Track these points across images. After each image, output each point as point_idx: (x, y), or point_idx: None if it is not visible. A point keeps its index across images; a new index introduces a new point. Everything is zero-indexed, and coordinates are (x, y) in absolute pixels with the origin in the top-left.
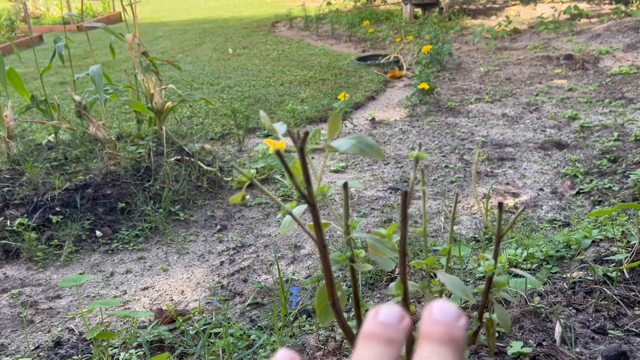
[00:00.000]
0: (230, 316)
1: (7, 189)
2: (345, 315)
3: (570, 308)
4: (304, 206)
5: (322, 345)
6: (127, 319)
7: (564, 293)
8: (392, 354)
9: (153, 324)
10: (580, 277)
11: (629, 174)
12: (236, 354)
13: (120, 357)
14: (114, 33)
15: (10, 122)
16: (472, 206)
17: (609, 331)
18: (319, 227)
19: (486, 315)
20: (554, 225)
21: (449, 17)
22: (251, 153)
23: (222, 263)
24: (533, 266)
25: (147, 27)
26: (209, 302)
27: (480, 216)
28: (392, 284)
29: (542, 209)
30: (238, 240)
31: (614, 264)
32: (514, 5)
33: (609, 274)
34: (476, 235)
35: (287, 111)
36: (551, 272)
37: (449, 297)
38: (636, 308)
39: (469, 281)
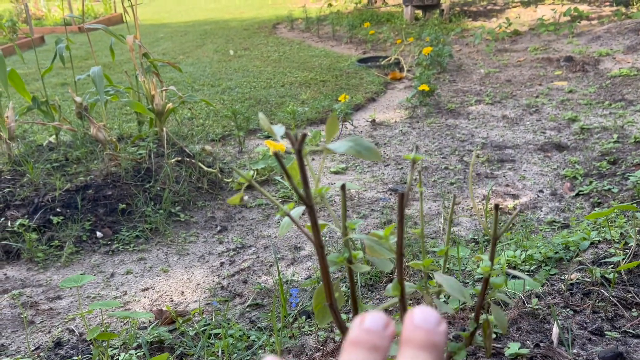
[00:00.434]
0: (230, 317)
1: (8, 189)
2: (344, 316)
3: (568, 309)
4: (302, 207)
5: (321, 346)
6: (127, 319)
7: (562, 294)
8: None
9: (153, 324)
10: (578, 279)
11: (629, 175)
12: (236, 354)
13: (120, 358)
14: (115, 34)
15: (11, 123)
16: (471, 208)
17: (606, 332)
18: (316, 228)
19: (483, 316)
20: (553, 227)
21: (450, 19)
22: (252, 154)
23: (222, 264)
24: (532, 268)
25: (148, 28)
26: (208, 303)
27: (480, 216)
28: (389, 285)
29: (541, 211)
30: (238, 241)
31: (611, 266)
32: (515, 7)
33: (606, 275)
34: (475, 237)
35: (287, 112)
36: (550, 273)
37: (447, 298)
38: (633, 309)
39: (467, 282)
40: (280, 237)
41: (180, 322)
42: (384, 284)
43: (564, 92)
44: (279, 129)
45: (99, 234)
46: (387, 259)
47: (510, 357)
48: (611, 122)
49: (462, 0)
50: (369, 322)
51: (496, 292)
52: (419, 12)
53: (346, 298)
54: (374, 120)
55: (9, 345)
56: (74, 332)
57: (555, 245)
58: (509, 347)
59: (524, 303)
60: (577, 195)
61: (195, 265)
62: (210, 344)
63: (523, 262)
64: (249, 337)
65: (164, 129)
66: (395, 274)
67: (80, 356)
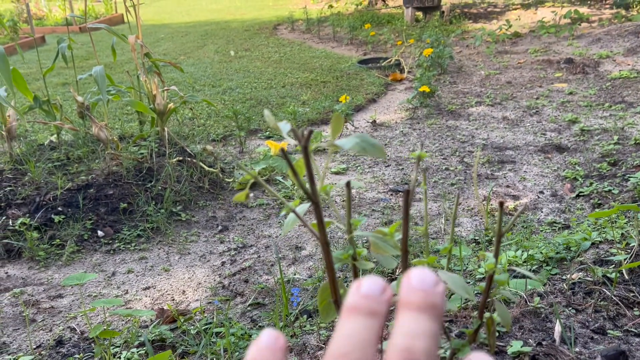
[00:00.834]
0: (231, 316)
1: (9, 188)
2: None
3: (570, 308)
4: (307, 204)
5: (323, 344)
6: (129, 317)
7: (564, 293)
8: (375, 326)
9: (154, 323)
10: (579, 278)
11: (629, 177)
12: (237, 353)
13: (122, 356)
14: (117, 34)
15: (12, 123)
16: (472, 208)
17: (608, 331)
18: (322, 225)
19: (486, 314)
20: (553, 228)
21: (450, 21)
22: (252, 154)
23: (223, 263)
24: (533, 268)
25: (149, 29)
26: (210, 302)
27: (481, 218)
28: (393, 283)
29: (542, 212)
30: (239, 240)
31: (613, 265)
32: (515, 9)
33: (608, 275)
34: (477, 237)
35: (288, 113)
36: (551, 273)
37: (450, 297)
38: (635, 309)
39: (469, 282)
40: (282, 237)
41: (182, 320)
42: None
43: (564, 94)
44: (284, 126)
45: (100, 233)
46: (391, 256)
47: (513, 355)
48: (611, 123)
49: (462, 2)
50: (365, 287)
51: (500, 290)
52: (420, 14)
53: None
54: (374, 121)
55: (11, 343)
56: (75, 330)
57: (556, 245)
58: (512, 345)
59: (526, 302)
60: (578, 196)
61: (196, 264)
62: (212, 342)
63: (524, 262)
64: (250, 335)
65: (166, 128)
66: (398, 273)
67: (81, 354)
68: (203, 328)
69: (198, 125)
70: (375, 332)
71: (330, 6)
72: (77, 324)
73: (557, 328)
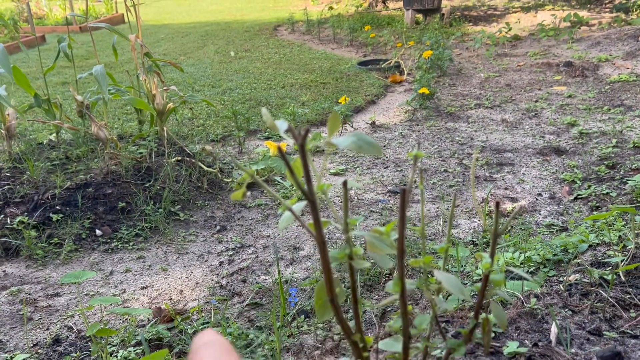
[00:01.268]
0: (228, 316)
1: (8, 187)
2: (343, 315)
3: (566, 310)
4: (304, 203)
5: (320, 344)
6: (126, 316)
7: (560, 295)
8: None
9: (152, 322)
10: (576, 280)
11: (627, 180)
12: None
13: (119, 355)
14: (119, 33)
15: (12, 121)
16: (470, 210)
17: (604, 333)
18: (318, 224)
19: (482, 315)
20: (551, 230)
21: (450, 23)
22: (251, 155)
23: (221, 263)
24: (530, 269)
25: (149, 29)
26: (207, 302)
27: (479, 220)
28: (389, 282)
29: (540, 214)
30: (237, 241)
31: (610, 267)
32: (515, 12)
33: (605, 276)
34: (474, 239)
35: (287, 114)
36: (548, 275)
37: (447, 298)
38: (631, 310)
39: (466, 283)
40: (280, 237)
41: (179, 320)
42: (383, 285)
43: (563, 97)
44: (282, 125)
45: (98, 232)
46: (388, 255)
47: (508, 356)
48: (610, 127)
49: (462, 4)
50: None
51: (496, 290)
52: (420, 16)
53: (345, 298)
54: (373, 123)
55: (8, 341)
56: (73, 329)
57: (553, 247)
58: (508, 346)
59: (522, 303)
60: (576, 199)
61: (194, 264)
62: None
63: (522, 263)
64: (247, 335)
65: (165, 128)
66: (394, 274)
67: (78, 353)
68: (200, 327)
69: (197, 125)
70: None
71: (331, 8)
72: (74, 323)
73: (553, 329)
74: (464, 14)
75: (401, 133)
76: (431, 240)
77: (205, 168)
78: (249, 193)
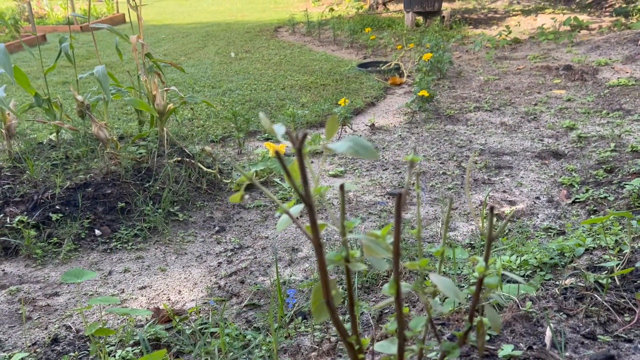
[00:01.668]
0: (226, 317)
1: (7, 186)
2: (341, 317)
3: (561, 313)
4: (301, 206)
5: (317, 346)
6: (125, 316)
7: (556, 299)
8: None
9: (150, 322)
10: (572, 284)
11: (625, 184)
12: (232, 353)
13: (117, 354)
14: (120, 34)
15: (12, 121)
16: (468, 213)
17: (599, 336)
18: (315, 227)
19: (477, 319)
20: (549, 234)
21: (450, 26)
22: (251, 156)
23: (219, 264)
24: (527, 273)
25: (150, 29)
26: (205, 303)
27: (477, 222)
28: (385, 285)
29: (537, 217)
30: (236, 242)
31: (605, 272)
32: (515, 15)
33: (600, 280)
34: (472, 242)
35: (287, 115)
36: (544, 278)
37: (443, 301)
38: (626, 314)
39: (463, 286)
40: (278, 239)
41: (177, 320)
42: (380, 287)
43: (562, 101)
44: (279, 129)
45: (97, 232)
46: (384, 258)
47: (503, 359)
48: (609, 131)
49: (463, 7)
50: None
51: (490, 293)
52: (420, 19)
53: (342, 300)
54: (373, 125)
55: (6, 340)
56: (71, 328)
57: (550, 251)
58: (502, 349)
59: (517, 306)
60: (574, 202)
61: (192, 264)
62: (207, 342)
63: (518, 267)
64: (245, 336)
65: (165, 129)
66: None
67: (76, 352)
68: (198, 328)
69: (197, 126)
70: None
71: (331, 9)
72: (73, 322)
73: (548, 333)
74: (464, 17)
75: (400, 135)
76: (429, 242)
77: (205, 169)
78: (247, 195)
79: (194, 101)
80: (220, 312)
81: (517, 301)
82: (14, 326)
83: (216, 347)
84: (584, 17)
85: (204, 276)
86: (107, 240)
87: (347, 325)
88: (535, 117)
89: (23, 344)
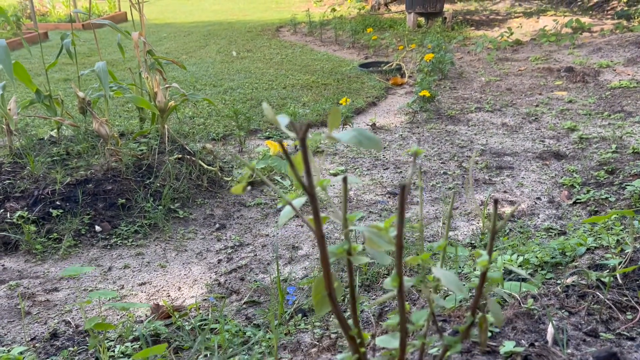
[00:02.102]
0: (226, 313)
1: (8, 181)
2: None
3: (563, 311)
4: (304, 198)
5: (317, 342)
6: (124, 312)
7: (558, 296)
8: None
9: (149, 318)
10: (573, 282)
11: (626, 185)
12: (231, 349)
13: (117, 350)
14: (121, 31)
15: (13, 116)
16: (469, 213)
17: (601, 334)
18: (317, 218)
19: (480, 315)
20: (550, 234)
21: (452, 27)
22: (252, 154)
23: (219, 261)
24: (528, 271)
25: (152, 27)
26: (205, 299)
27: (478, 222)
28: (387, 279)
29: (538, 218)
30: (236, 239)
31: (607, 270)
32: (517, 17)
33: (602, 279)
34: (473, 242)
35: (288, 114)
36: (546, 277)
37: (445, 297)
38: (628, 312)
39: (464, 284)
40: (278, 237)
41: (177, 316)
42: (381, 285)
43: (563, 102)
44: (283, 119)
45: (97, 228)
46: (386, 252)
47: (505, 355)
48: (610, 132)
49: (465, 9)
50: None
51: (493, 288)
52: (422, 20)
53: (343, 296)
54: (374, 124)
55: (5, 335)
56: (70, 323)
57: (551, 250)
58: (504, 346)
59: (519, 303)
60: (575, 203)
61: (192, 261)
62: (207, 338)
63: (520, 266)
64: (244, 333)
65: (166, 126)
66: (392, 272)
67: (75, 347)
68: (198, 324)
69: (198, 124)
70: None
71: (333, 10)
72: (72, 318)
73: (550, 330)
74: (466, 18)
75: (401, 135)
76: (430, 241)
77: (206, 166)
78: (249, 187)
79: (195, 99)
80: (220, 309)
81: (519, 298)
82: (13, 321)
83: (216, 343)
84: (585, 20)
85: (203, 273)
86: (107, 237)
87: (349, 321)
88: (536, 118)
89: (22, 338)
